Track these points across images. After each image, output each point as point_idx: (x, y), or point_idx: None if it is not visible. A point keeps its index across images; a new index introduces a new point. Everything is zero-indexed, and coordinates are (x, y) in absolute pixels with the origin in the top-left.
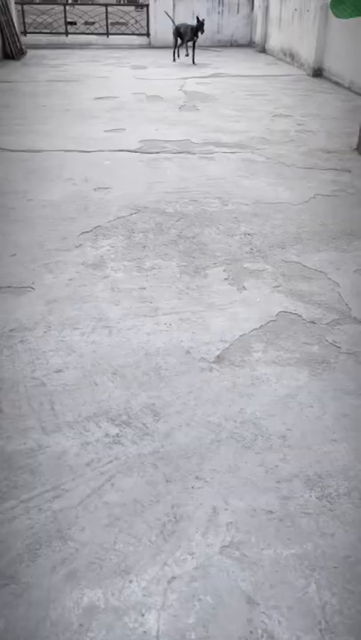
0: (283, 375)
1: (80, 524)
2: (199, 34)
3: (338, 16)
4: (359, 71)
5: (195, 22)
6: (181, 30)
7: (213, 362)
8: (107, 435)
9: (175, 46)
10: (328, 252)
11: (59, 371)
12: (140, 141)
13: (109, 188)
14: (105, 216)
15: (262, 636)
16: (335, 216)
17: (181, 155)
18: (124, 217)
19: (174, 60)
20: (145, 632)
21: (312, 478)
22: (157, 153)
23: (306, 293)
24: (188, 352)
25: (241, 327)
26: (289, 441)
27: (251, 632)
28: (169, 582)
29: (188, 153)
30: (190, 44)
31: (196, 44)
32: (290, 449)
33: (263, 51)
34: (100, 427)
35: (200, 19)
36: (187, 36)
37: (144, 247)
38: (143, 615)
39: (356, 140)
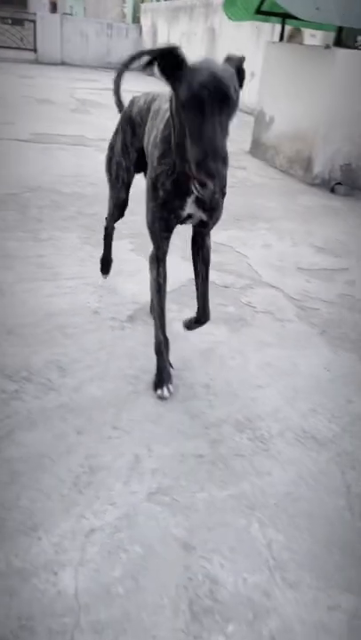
0: (200, 331)
1: None
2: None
3: (230, 18)
4: (244, 91)
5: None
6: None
7: (125, 321)
8: (3, 391)
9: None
10: (233, 230)
11: None
12: (31, 134)
13: None
14: None
15: (204, 582)
16: (236, 203)
17: (77, 147)
18: (15, 194)
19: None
20: (60, 592)
21: (242, 422)
22: (50, 144)
23: (216, 263)
24: (96, 312)
25: None
26: (213, 389)
27: (190, 578)
28: (87, 536)
29: (84, 146)
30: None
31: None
32: (215, 396)
33: (153, 74)
34: None
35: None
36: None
37: (40, 221)
38: (56, 574)
39: (249, 145)
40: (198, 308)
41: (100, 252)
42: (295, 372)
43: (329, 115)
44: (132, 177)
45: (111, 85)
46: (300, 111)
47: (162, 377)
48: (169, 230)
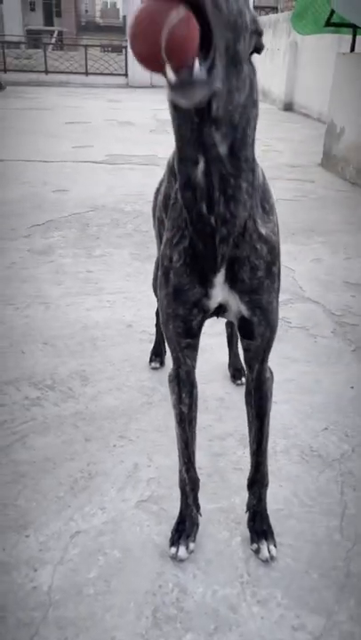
0: (224, 346)
1: None
2: None
3: (299, 32)
4: (326, 103)
5: None
6: None
7: (154, 334)
8: (26, 397)
9: None
10: (286, 244)
11: None
12: (106, 155)
13: (68, 191)
14: (59, 212)
15: (173, 590)
16: (296, 216)
17: (146, 166)
18: (79, 213)
19: None
20: (35, 587)
21: (248, 437)
22: (122, 164)
23: None
24: (129, 326)
25: None
26: (226, 403)
27: (160, 586)
28: (72, 537)
29: (154, 165)
30: None
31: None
32: (227, 410)
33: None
34: (20, 390)
35: None
36: None
37: (97, 238)
38: (36, 570)
39: (320, 157)
40: (251, 465)
41: (147, 267)
42: (316, 388)
43: None
44: None
45: None
46: None
47: (183, 527)
48: (191, 335)
